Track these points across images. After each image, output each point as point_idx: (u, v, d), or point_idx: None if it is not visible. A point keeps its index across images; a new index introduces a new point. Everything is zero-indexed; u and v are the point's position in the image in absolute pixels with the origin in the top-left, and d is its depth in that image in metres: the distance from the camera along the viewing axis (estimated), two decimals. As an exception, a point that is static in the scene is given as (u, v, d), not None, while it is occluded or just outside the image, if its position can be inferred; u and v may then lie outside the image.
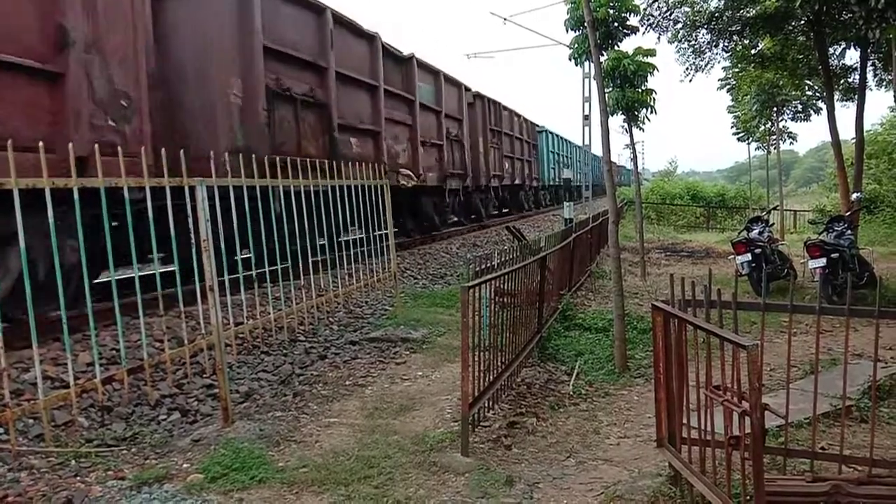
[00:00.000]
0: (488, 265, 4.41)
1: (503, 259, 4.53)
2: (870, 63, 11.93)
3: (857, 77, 11.75)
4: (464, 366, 3.49)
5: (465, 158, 14.86)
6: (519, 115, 21.42)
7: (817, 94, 17.92)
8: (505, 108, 19.35)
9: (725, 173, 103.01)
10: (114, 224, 4.42)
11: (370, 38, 10.06)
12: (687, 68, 13.04)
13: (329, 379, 5.06)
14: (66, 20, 4.83)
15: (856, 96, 11.95)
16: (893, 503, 2.77)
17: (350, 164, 7.06)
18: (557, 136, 28.07)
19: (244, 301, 5.83)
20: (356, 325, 6.71)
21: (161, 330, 5.02)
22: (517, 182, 20.78)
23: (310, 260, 6.30)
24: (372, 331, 6.41)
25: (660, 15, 11.43)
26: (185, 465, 3.43)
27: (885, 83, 13.65)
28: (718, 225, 24.37)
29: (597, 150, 25.31)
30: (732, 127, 25.35)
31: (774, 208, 13.12)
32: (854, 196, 10.12)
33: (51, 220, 3.59)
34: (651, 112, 10.03)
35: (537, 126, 24.83)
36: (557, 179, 28.26)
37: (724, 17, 11.18)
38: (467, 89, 15.33)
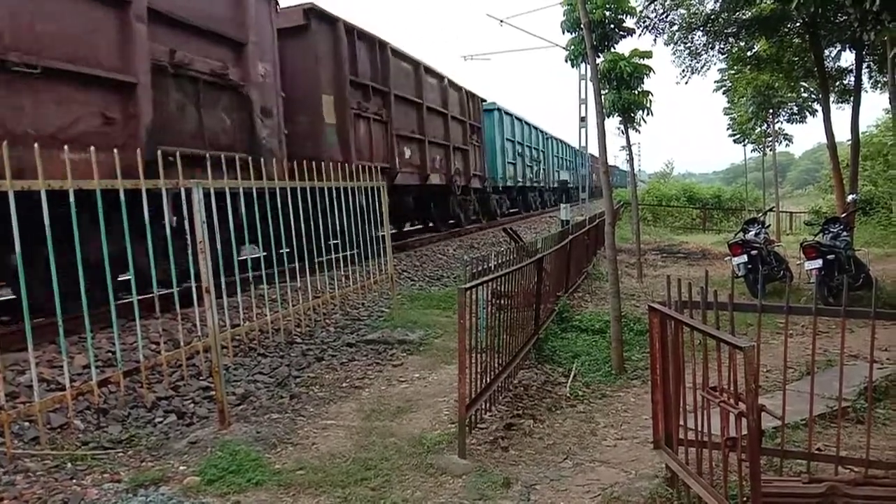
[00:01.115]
0: (485, 267, 4.42)
1: (500, 261, 4.54)
2: (865, 65, 11.98)
3: (853, 79, 11.81)
4: (461, 368, 3.49)
5: (257, 129, 7.16)
6: (441, 77, 13.61)
7: (813, 96, 17.96)
8: (399, 52, 11.34)
9: (722, 175, 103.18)
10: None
11: None
12: (683, 70, 13.12)
13: (326, 381, 5.05)
14: None
15: (851, 98, 12.00)
16: (889, 504, 2.78)
17: None
18: (519, 118, 20.78)
19: (240, 303, 5.81)
20: (353, 327, 6.69)
21: (157, 332, 5.01)
22: (437, 181, 13.17)
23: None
24: (369, 333, 6.40)
25: (656, 17, 11.49)
26: (181, 468, 3.42)
27: (880, 85, 13.72)
28: (715, 226, 24.41)
29: (593, 151, 24.28)
30: (728, 129, 25.41)
31: (770, 210, 13.19)
32: (850, 198, 10.16)
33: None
34: (647, 114, 10.09)
35: (484, 101, 17.06)
36: (522, 178, 21.20)
37: (720, 20, 11.23)
38: None
